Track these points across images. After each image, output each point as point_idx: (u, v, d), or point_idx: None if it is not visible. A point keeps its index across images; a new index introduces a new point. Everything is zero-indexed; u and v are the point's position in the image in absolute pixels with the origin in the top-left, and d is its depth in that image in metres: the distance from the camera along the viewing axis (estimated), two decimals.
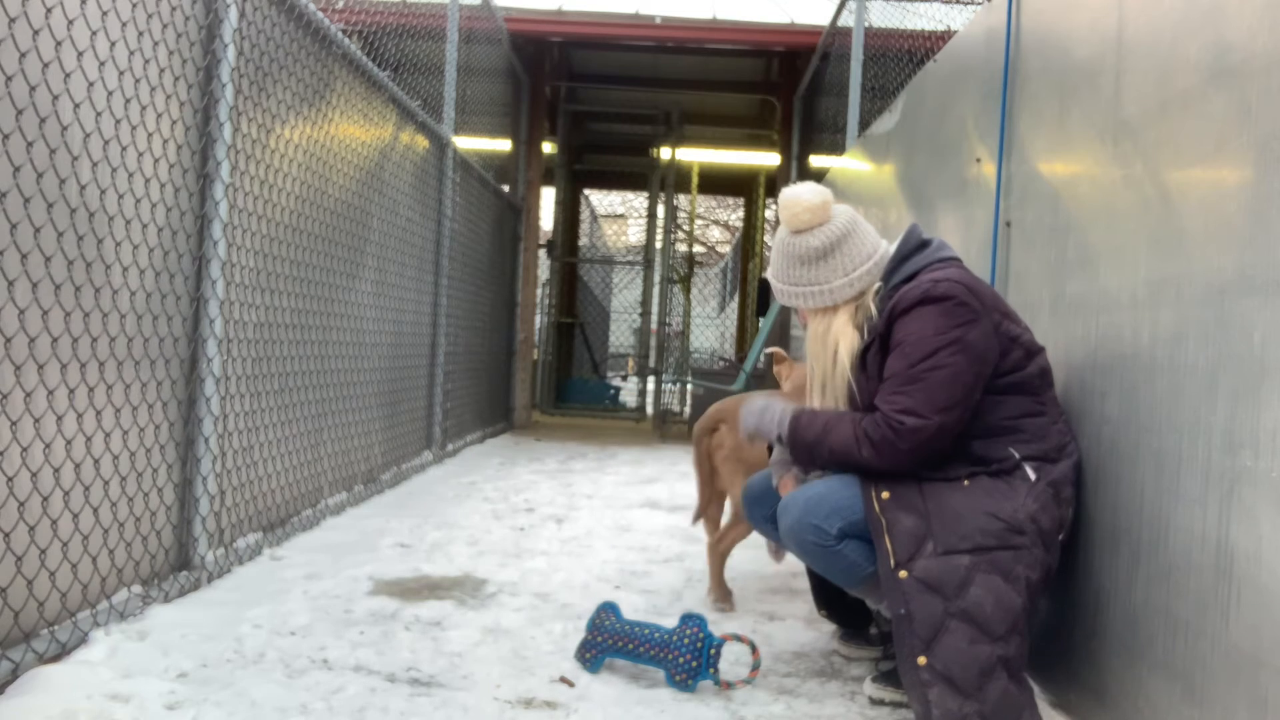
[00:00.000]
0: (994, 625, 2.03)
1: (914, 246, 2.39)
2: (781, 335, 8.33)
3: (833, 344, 2.39)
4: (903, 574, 2.10)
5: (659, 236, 10.68)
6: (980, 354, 2.22)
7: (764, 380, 3.68)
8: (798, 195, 2.38)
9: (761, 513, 2.68)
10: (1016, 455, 2.23)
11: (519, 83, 9.01)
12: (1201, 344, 1.80)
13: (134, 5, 2.59)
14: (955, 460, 2.25)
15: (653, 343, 10.50)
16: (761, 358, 3.79)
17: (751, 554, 3.71)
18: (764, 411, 2.47)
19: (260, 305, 3.46)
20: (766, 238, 12.72)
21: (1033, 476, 2.21)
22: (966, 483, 2.21)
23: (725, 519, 3.29)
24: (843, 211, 2.41)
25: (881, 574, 2.15)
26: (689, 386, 10.25)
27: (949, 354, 2.19)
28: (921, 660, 2.03)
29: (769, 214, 12.27)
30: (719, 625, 2.80)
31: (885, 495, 2.21)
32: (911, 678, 2.04)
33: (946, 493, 2.20)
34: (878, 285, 2.39)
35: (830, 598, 2.74)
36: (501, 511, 4.61)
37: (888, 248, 2.42)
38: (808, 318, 2.48)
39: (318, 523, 4.02)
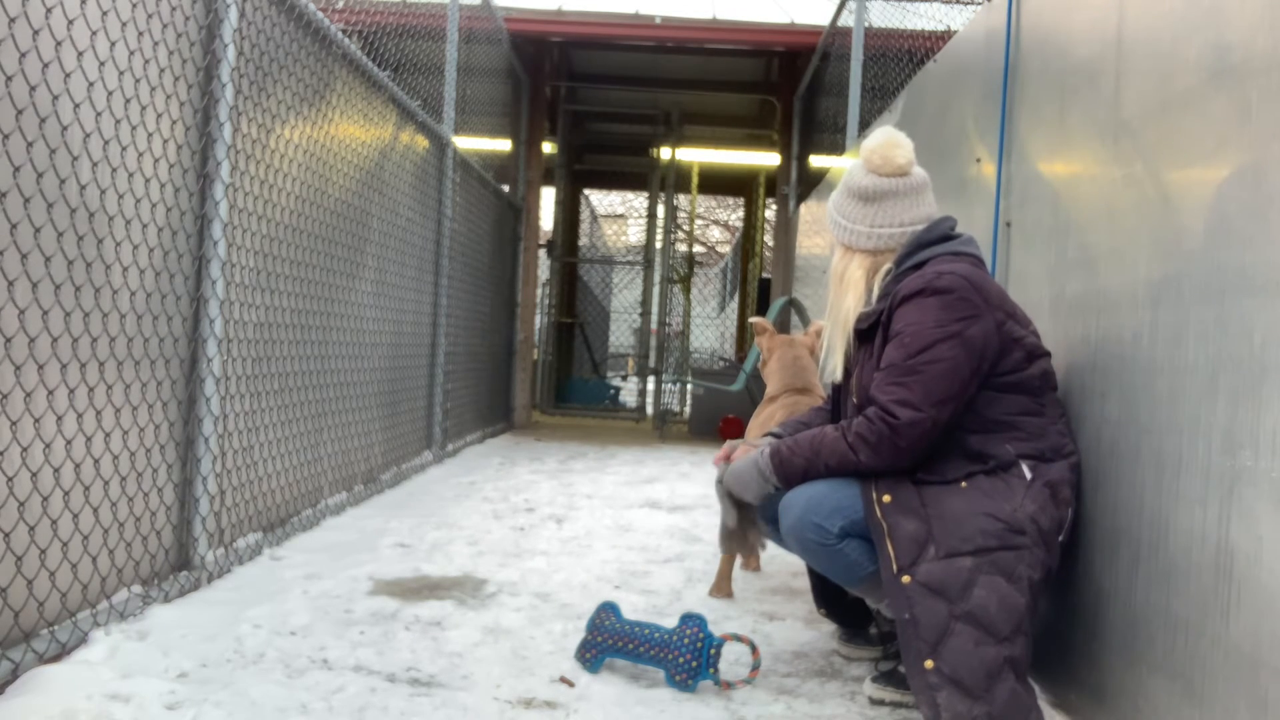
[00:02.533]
0: (999, 626, 2.03)
1: (936, 237, 2.38)
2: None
3: (846, 287, 2.44)
4: (906, 579, 2.10)
5: (659, 236, 10.68)
6: (979, 350, 2.21)
7: (762, 381, 3.67)
8: (889, 140, 2.42)
9: (761, 514, 2.68)
10: (1012, 452, 2.22)
11: (519, 83, 9.00)
12: (1201, 344, 1.80)
13: (134, 5, 2.59)
14: (950, 457, 2.25)
15: (653, 343, 10.50)
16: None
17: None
18: (743, 474, 2.50)
19: (260, 305, 3.46)
20: (767, 238, 12.72)
21: (1028, 475, 2.20)
22: (964, 484, 2.21)
23: None
24: (916, 175, 2.44)
25: (885, 579, 2.15)
26: (689, 386, 10.24)
27: (948, 347, 2.19)
28: (929, 664, 2.02)
29: (769, 214, 12.26)
30: (719, 625, 2.80)
31: (887, 499, 2.21)
32: (919, 682, 2.03)
33: (945, 496, 2.19)
34: (888, 267, 2.39)
35: (830, 597, 2.74)
36: (501, 511, 4.61)
37: (921, 230, 2.40)
38: (835, 250, 2.52)
39: (318, 523, 4.02)
